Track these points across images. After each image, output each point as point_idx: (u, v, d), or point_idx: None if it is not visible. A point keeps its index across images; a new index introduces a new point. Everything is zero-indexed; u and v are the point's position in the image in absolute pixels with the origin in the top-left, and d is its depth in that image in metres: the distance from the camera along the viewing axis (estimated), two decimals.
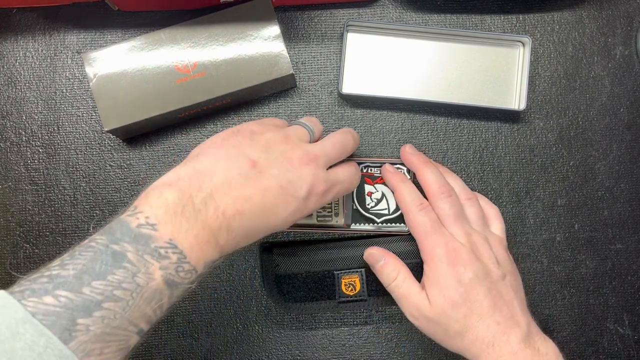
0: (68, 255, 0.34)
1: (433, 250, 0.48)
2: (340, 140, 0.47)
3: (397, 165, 0.57)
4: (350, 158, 0.57)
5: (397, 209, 0.56)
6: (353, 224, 0.57)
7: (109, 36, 0.59)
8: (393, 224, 0.57)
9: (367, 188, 0.56)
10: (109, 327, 0.33)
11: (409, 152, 0.54)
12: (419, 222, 0.50)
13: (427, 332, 0.49)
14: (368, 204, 0.56)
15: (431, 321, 0.47)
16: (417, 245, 0.54)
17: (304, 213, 0.43)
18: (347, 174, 0.47)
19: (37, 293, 0.32)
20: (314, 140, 0.48)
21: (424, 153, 0.59)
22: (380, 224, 0.56)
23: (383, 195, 0.56)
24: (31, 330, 0.30)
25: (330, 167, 0.46)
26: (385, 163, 0.56)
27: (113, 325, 0.33)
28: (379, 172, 0.56)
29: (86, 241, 0.35)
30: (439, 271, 0.47)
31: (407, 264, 0.54)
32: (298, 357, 0.59)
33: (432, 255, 0.48)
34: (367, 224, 0.57)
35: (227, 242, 0.39)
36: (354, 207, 0.57)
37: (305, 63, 0.59)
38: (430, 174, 0.51)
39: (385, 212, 0.56)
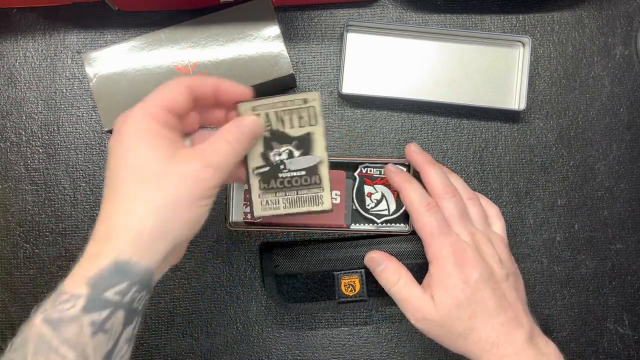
0: None
1: (440, 251, 0.48)
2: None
3: (398, 166, 0.57)
4: (350, 158, 0.57)
5: (397, 209, 0.56)
6: (353, 224, 0.57)
7: (109, 36, 0.59)
8: (393, 225, 0.57)
9: (367, 189, 0.56)
10: None
11: (414, 151, 0.53)
12: (425, 222, 0.49)
13: (430, 334, 0.48)
14: (368, 205, 0.56)
15: (435, 323, 0.47)
16: (417, 246, 0.54)
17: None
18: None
19: None
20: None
21: None
22: (380, 225, 0.56)
23: (383, 196, 0.56)
24: None
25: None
26: (386, 163, 0.56)
27: None
28: (378, 172, 0.56)
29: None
30: (445, 271, 0.47)
31: (407, 265, 0.54)
32: (298, 357, 0.59)
33: (439, 256, 0.48)
34: (367, 225, 0.57)
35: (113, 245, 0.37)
36: (354, 208, 0.57)
37: (305, 63, 0.59)
38: (435, 174, 0.51)
39: (385, 212, 0.56)
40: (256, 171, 0.46)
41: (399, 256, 0.55)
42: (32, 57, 0.59)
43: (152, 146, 0.38)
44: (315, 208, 0.47)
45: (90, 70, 0.54)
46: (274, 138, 0.46)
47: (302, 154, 0.46)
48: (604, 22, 0.60)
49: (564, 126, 0.60)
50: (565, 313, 0.59)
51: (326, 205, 0.46)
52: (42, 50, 0.59)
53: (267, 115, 0.45)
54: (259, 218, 0.51)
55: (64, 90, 0.59)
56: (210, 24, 0.54)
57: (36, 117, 0.58)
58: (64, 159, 0.58)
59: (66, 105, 0.58)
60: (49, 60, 0.59)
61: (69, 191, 0.58)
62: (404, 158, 0.58)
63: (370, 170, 0.56)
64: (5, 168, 0.58)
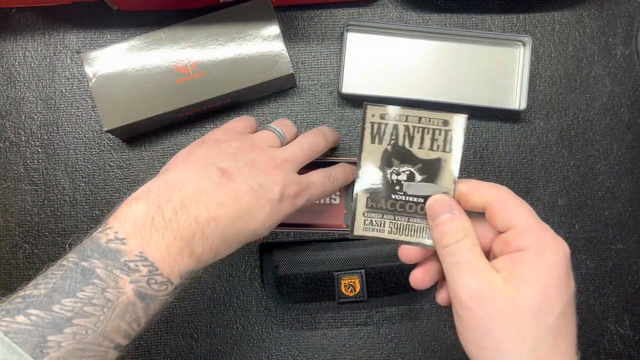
0: (42, 275, 0.35)
1: (555, 245, 0.37)
2: (309, 142, 0.47)
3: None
4: (350, 159, 0.57)
5: None
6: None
7: (109, 36, 0.59)
8: None
9: None
10: (81, 343, 0.33)
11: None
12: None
13: (467, 320, 0.35)
14: None
15: (492, 308, 0.34)
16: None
17: (280, 216, 0.42)
18: (319, 179, 0.47)
19: (10, 313, 0.33)
20: (287, 142, 0.48)
21: None
22: None
23: None
24: (3, 349, 0.31)
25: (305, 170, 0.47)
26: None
27: (85, 341, 0.33)
28: None
29: (60, 260, 0.36)
30: (549, 265, 0.36)
31: (408, 265, 0.54)
32: (298, 357, 0.59)
33: (549, 250, 0.36)
34: None
35: (203, 250, 0.38)
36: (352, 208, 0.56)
37: (305, 63, 0.59)
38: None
39: None
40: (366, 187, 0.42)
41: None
42: (31, 56, 0.58)
43: None
44: (425, 241, 0.40)
45: (89, 70, 0.53)
46: (396, 154, 0.41)
47: (425, 180, 0.40)
48: (604, 21, 0.60)
49: (565, 126, 0.60)
50: None
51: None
52: (41, 50, 0.58)
53: (395, 127, 0.40)
54: (356, 238, 0.43)
55: (64, 90, 0.58)
56: (210, 23, 0.54)
57: (35, 117, 0.58)
58: (63, 159, 0.58)
59: (65, 105, 0.58)
60: (48, 60, 0.58)
61: (68, 191, 0.58)
62: None
63: None
64: (5, 168, 0.58)
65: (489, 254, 0.38)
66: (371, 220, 0.41)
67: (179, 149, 0.58)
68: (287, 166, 0.44)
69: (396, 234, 0.41)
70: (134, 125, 0.54)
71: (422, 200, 0.40)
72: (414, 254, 0.40)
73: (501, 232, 0.37)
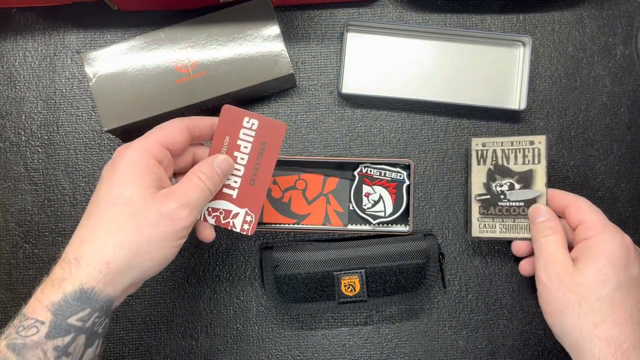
0: None
1: (613, 235, 0.49)
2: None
3: (396, 168, 0.57)
4: (350, 158, 0.57)
5: (394, 212, 0.56)
6: (350, 224, 0.57)
7: (109, 36, 0.59)
8: (391, 225, 0.57)
9: (365, 189, 0.56)
10: None
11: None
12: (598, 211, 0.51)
13: (547, 297, 0.48)
14: (364, 205, 0.56)
15: (566, 287, 0.46)
16: (416, 246, 0.54)
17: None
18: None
19: None
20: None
21: (425, 153, 0.59)
22: (375, 225, 0.56)
23: (380, 197, 0.56)
24: None
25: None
26: (386, 163, 0.56)
27: None
28: (378, 173, 0.56)
29: None
30: (611, 250, 0.47)
31: (407, 265, 0.54)
32: (298, 357, 0.59)
33: (610, 239, 0.48)
34: (363, 225, 0.57)
35: (63, 271, 0.38)
36: (351, 208, 0.57)
37: (305, 63, 0.59)
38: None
39: (382, 214, 0.56)
40: (478, 198, 0.55)
41: (399, 256, 0.55)
42: (31, 56, 0.58)
43: (139, 182, 0.40)
44: (529, 235, 0.53)
45: (89, 70, 0.53)
46: (498, 171, 0.54)
47: (522, 187, 0.54)
48: (604, 21, 0.60)
49: (565, 126, 0.60)
50: None
51: None
52: (41, 50, 0.59)
53: (494, 152, 0.54)
54: (474, 240, 0.56)
55: (64, 90, 0.58)
56: (210, 23, 0.54)
57: (35, 117, 0.58)
58: (63, 159, 0.58)
59: (66, 105, 0.58)
60: (48, 60, 0.58)
61: (68, 191, 0.58)
62: (404, 158, 0.58)
63: (371, 171, 0.56)
64: (5, 168, 0.58)
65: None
66: (484, 224, 0.55)
67: None
68: None
69: (506, 233, 0.54)
70: (134, 125, 0.54)
71: (523, 204, 0.53)
72: (525, 248, 0.54)
73: (574, 228, 0.50)
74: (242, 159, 0.45)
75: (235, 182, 0.45)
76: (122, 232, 0.39)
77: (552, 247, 0.49)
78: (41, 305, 0.37)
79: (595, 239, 0.47)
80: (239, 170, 0.45)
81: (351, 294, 0.55)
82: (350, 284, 0.55)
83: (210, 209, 0.46)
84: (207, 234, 0.46)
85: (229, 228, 0.46)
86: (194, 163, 0.46)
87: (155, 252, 0.40)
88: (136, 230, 0.39)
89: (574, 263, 0.47)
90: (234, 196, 0.45)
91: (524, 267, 0.54)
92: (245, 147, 0.45)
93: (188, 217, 0.41)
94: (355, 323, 0.59)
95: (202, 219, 0.46)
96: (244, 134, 0.45)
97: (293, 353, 0.59)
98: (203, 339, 0.58)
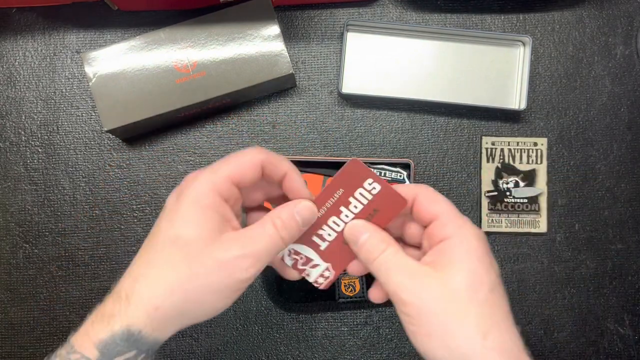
0: None
1: (470, 229, 0.40)
2: None
3: (395, 168, 0.57)
4: (350, 158, 0.57)
5: None
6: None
7: (109, 36, 0.59)
8: None
9: None
10: None
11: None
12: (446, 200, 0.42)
13: (417, 318, 0.37)
14: None
15: (435, 299, 0.37)
16: None
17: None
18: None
19: None
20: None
21: (425, 153, 0.59)
22: None
23: None
24: None
25: None
26: (386, 163, 0.56)
27: None
28: (378, 173, 0.56)
29: None
30: (472, 247, 0.39)
31: None
32: (298, 358, 0.59)
33: (467, 234, 0.39)
34: None
35: (114, 305, 0.37)
36: None
37: (305, 63, 0.59)
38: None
39: None
40: (487, 194, 0.58)
41: None
42: (31, 56, 0.58)
43: (202, 222, 0.36)
44: (533, 230, 0.57)
45: (89, 70, 0.53)
46: (505, 170, 0.58)
47: (526, 185, 0.58)
48: (604, 21, 0.60)
49: (565, 126, 0.60)
50: (565, 313, 0.59)
51: (542, 228, 0.58)
52: (41, 50, 0.58)
53: (502, 150, 0.58)
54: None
55: (64, 90, 0.58)
56: (210, 23, 0.54)
57: (35, 116, 0.58)
58: (63, 159, 0.58)
59: (65, 105, 0.58)
60: (48, 59, 0.58)
61: (68, 191, 0.58)
62: (404, 158, 0.58)
63: None
64: (5, 168, 0.58)
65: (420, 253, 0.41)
66: (492, 219, 0.58)
67: (179, 149, 0.58)
68: None
69: (512, 227, 0.58)
70: (134, 125, 0.54)
71: (527, 201, 0.58)
72: (381, 294, 0.42)
73: (426, 227, 0.40)
74: (346, 215, 0.41)
75: (329, 235, 0.41)
76: (176, 278, 0.36)
77: (398, 259, 0.38)
78: (90, 340, 0.36)
79: (457, 237, 0.38)
80: (338, 225, 0.41)
81: (351, 294, 0.55)
82: (350, 284, 0.55)
83: (292, 250, 0.42)
84: (291, 275, 0.42)
85: (302, 275, 0.42)
86: (275, 198, 0.42)
87: (209, 303, 0.37)
88: (191, 277, 0.36)
89: (434, 269, 0.37)
90: (322, 248, 0.41)
91: (374, 293, 0.41)
92: (355, 207, 0.41)
93: (250, 269, 0.36)
94: (355, 323, 0.59)
95: (281, 257, 0.42)
96: (360, 193, 0.41)
97: (293, 353, 0.59)
98: (203, 339, 0.58)
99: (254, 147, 0.39)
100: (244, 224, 0.41)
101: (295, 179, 0.40)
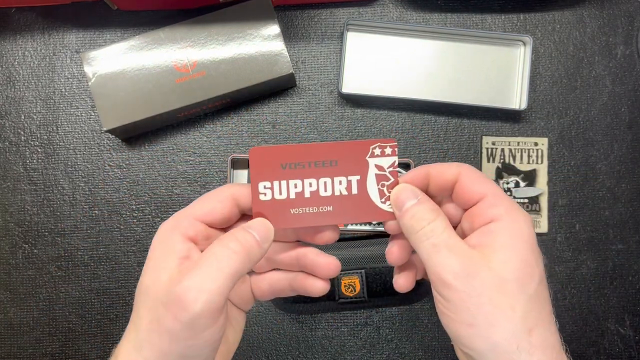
0: None
1: (520, 214, 0.37)
2: None
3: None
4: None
5: None
6: (350, 225, 0.56)
7: (108, 35, 0.59)
8: None
9: None
10: None
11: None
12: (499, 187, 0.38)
13: (456, 299, 0.33)
14: None
15: (481, 284, 0.33)
16: None
17: None
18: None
19: None
20: None
21: (425, 153, 0.59)
22: (375, 225, 0.56)
23: None
24: None
25: None
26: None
27: None
28: None
29: None
30: (522, 234, 0.36)
31: None
32: (298, 358, 0.58)
33: (517, 219, 0.36)
34: (363, 225, 0.56)
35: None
36: None
37: (305, 62, 0.59)
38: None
39: None
40: None
41: None
42: (30, 56, 0.58)
43: (161, 265, 0.33)
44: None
45: (89, 70, 0.53)
46: (505, 170, 0.58)
47: (527, 185, 0.58)
48: (605, 21, 0.60)
49: (565, 126, 0.59)
50: (566, 313, 0.59)
51: (543, 228, 0.59)
52: (40, 50, 0.58)
53: (502, 150, 0.58)
54: None
55: (63, 90, 0.58)
56: (209, 23, 0.54)
57: (35, 116, 0.58)
58: (62, 159, 0.58)
59: (65, 105, 0.58)
60: (47, 59, 0.58)
61: (67, 191, 0.58)
62: (404, 158, 0.58)
63: None
64: (4, 168, 0.58)
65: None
66: None
67: (179, 149, 0.58)
68: None
69: None
70: (134, 125, 0.54)
71: (527, 201, 0.58)
72: (401, 253, 0.38)
73: (467, 209, 0.36)
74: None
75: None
76: (140, 331, 0.33)
77: (447, 236, 0.34)
78: None
79: (507, 221, 0.34)
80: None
81: (351, 294, 0.55)
82: (350, 284, 0.55)
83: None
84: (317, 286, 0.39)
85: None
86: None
87: (176, 351, 0.32)
88: (148, 328, 0.33)
89: (482, 254, 0.34)
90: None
91: (402, 281, 0.38)
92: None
93: (194, 303, 0.31)
94: (355, 323, 0.59)
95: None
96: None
97: (293, 353, 0.58)
98: None
99: (226, 185, 0.37)
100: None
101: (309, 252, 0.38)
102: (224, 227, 0.36)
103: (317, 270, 0.38)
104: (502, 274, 0.33)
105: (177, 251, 0.34)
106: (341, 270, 0.54)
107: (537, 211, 0.58)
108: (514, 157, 0.58)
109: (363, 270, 0.54)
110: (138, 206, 0.58)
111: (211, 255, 0.33)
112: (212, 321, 0.32)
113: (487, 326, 0.33)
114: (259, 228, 0.35)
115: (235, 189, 0.36)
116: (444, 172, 0.37)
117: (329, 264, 0.38)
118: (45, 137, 0.58)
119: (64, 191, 0.58)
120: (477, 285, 0.33)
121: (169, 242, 0.34)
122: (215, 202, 0.35)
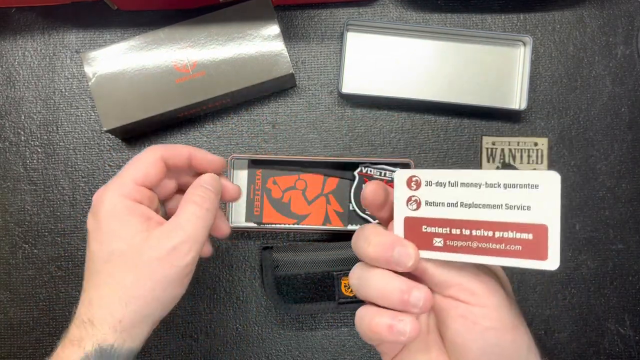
0: None
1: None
2: None
3: (393, 168, 0.56)
4: (350, 158, 0.57)
5: None
6: (350, 225, 0.57)
7: (108, 35, 0.59)
8: None
9: None
10: None
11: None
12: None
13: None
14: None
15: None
16: None
17: None
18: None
19: None
20: None
21: (425, 153, 0.59)
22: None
23: None
24: None
25: None
26: (386, 163, 0.56)
27: None
28: (378, 173, 0.56)
29: None
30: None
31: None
32: (298, 358, 0.59)
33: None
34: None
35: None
36: (351, 208, 0.56)
37: (305, 62, 0.59)
38: None
39: None
40: None
41: None
42: (30, 56, 0.58)
43: (126, 230, 0.38)
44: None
45: (89, 70, 0.53)
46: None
47: None
48: (605, 21, 0.60)
49: (565, 126, 0.59)
50: (566, 313, 0.59)
51: None
52: (40, 50, 0.58)
53: (502, 150, 0.58)
54: None
55: (63, 90, 0.58)
56: (209, 23, 0.54)
57: (35, 116, 0.58)
58: (62, 159, 0.58)
59: (65, 105, 0.58)
60: (47, 59, 0.58)
61: (67, 191, 0.58)
62: (404, 158, 0.58)
63: (371, 171, 0.56)
64: (4, 168, 0.58)
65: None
66: None
67: None
68: None
69: None
70: (134, 125, 0.54)
71: None
72: (378, 194, 0.34)
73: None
74: None
75: None
76: (124, 289, 0.37)
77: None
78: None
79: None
80: None
81: (351, 294, 0.55)
82: None
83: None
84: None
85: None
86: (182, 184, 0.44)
87: (165, 297, 0.38)
88: (137, 283, 0.37)
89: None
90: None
91: (368, 190, 0.34)
92: None
93: (189, 253, 0.38)
94: (355, 323, 0.59)
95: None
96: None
97: (293, 353, 0.58)
98: (203, 339, 0.58)
99: (150, 147, 0.41)
100: (164, 215, 0.43)
101: (199, 154, 0.42)
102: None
103: (208, 166, 0.43)
104: (508, 292, 0.34)
105: (137, 215, 0.38)
106: (341, 271, 0.55)
107: None
108: (514, 157, 0.58)
109: None
110: None
111: (191, 216, 0.38)
112: (188, 275, 0.39)
113: (499, 347, 0.32)
114: (213, 183, 0.41)
115: (163, 150, 0.41)
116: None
117: (218, 159, 0.43)
118: (45, 137, 0.58)
119: (64, 191, 0.58)
120: (497, 299, 0.32)
121: (123, 209, 0.38)
122: (149, 167, 0.40)
